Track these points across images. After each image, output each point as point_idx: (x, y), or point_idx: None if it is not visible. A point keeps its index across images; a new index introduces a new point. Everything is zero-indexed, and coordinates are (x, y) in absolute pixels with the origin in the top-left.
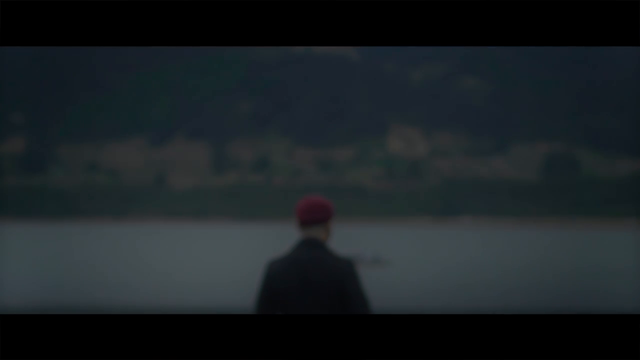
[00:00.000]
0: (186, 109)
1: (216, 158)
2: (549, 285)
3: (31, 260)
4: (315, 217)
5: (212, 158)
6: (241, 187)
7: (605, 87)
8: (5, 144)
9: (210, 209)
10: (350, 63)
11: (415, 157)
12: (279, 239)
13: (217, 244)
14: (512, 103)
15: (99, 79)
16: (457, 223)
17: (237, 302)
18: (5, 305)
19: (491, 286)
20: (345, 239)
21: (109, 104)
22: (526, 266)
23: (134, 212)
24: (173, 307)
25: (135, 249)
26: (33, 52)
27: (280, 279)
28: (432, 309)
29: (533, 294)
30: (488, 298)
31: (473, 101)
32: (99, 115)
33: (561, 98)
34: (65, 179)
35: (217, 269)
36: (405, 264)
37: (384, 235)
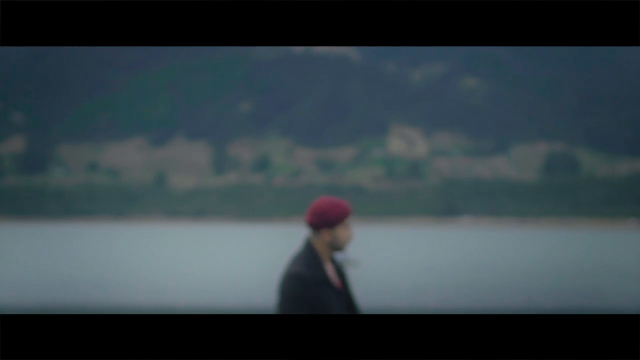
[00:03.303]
0: (186, 109)
1: (216, 158)
2: (549, 285)
3: (31, 260)
4: (308, 220)
5: (212, 158)
6: (241, 187)
7: (605, 87)
8: (5, 144)
9: (210, 209)
10: (350, 63)
11: (415, 157)
12: (279, 239)
13: (217, 244)
14: (512, 103)
15: (99, 79)
16: (457, 223)
17: (237, 302)
18: (5, 305)
19: (491, 286)
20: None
21: (109, 104)
22: (526, 266)
23: (134, 212)
24: (173, 307)
25: (135, 249)
26: (33, 52)
27: None
28: (432, 309)
29: (533, 294)
30: (487, 298)
31: (473, 101)
32: (99, 115)
33: (561, 98)
34: (65, 179)
35: (217, 269)
36: (405, 263)
37: (385, 235)
